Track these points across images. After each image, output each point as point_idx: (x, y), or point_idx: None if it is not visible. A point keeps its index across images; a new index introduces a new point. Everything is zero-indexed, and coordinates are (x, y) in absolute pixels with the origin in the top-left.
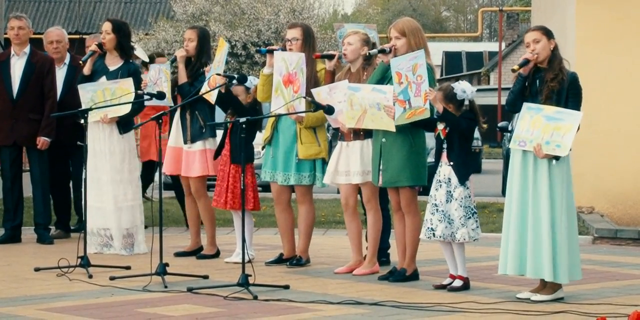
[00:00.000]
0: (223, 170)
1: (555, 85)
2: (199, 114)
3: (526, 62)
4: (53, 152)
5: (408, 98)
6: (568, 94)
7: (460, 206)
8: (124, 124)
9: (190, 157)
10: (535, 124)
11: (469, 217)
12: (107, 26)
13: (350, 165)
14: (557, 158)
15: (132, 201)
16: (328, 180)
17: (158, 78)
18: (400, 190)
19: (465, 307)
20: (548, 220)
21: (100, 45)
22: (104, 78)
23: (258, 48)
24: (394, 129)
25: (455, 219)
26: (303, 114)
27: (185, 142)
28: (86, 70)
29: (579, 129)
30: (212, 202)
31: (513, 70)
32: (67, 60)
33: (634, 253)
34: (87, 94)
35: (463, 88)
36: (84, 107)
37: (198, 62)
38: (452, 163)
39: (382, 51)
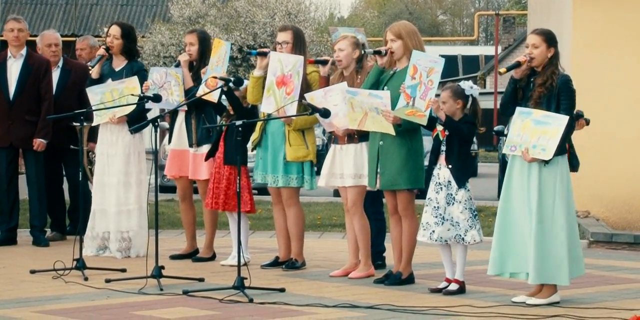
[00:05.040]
0: (218, 173)
1: (543, 91)
2: (205, 117)
3: (517, 64)
4: (47, 155)
5: (414, 96)
6: (559, 97)
7: (465, 208)
8: (134, 124)
9: (198, 160)
10: (525, 128)
11: (472, 219)
12: (116, 30)
13: (344, 168)
14: (547, 161)
15: (135, 204)
16: (323, 183)
17: (165, 81)
18: (397, 193)
19: (460, 311)
20: (538, 224)
21: (107, 49)
22: (110, 80)
23: (248, 50)
24: (393, 133)
25: (461, 222)
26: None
27: (190, 146)
28: (94, 73)
29: (573, 131)
30: (207, 205)
31: (500, 73)
32: (60, 63)
33: (630, 257)
34: (95, 96)
35: (470, 84)
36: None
37: (202, 65)
38: (450, 166)
39: (378, 53)
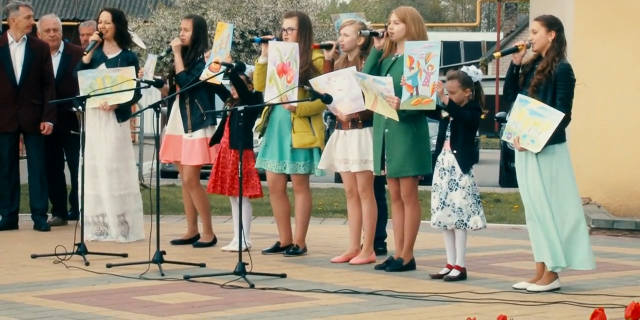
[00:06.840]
0: (225, 157)
1: (541, 78)
2: (199, 102)
3: (514, 49)
4: (47, 140)
5: (416, 85)
6: (556, 85)
7: (469, 194)
8: (123, 112)
9: (190, 145)
10: (520, 117)
11: (476, 205)
12: (106, 16)
13: (349, 153)
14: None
15: (126, 189)
16: (323, 166)
17: (148, 67)
18: (401, 180)
19: (461, 297)
20: (541, 210)
21: (100, 34)
22: (103, 66)
23: (252, 37)
24: (397, 118)
25: (464, 207)
26: (295, 104)
27: (185, 131)
28: (86, 59)
29: (570, 120)
30: (209, 189)
31: (494, 57)
32: (61, 48)
33: (631, 244)
34: (86, 80)
35: (474, 70)
36: (82, 93)
37: (194, 51)
38: (455, 152)
39: (375, 34)
